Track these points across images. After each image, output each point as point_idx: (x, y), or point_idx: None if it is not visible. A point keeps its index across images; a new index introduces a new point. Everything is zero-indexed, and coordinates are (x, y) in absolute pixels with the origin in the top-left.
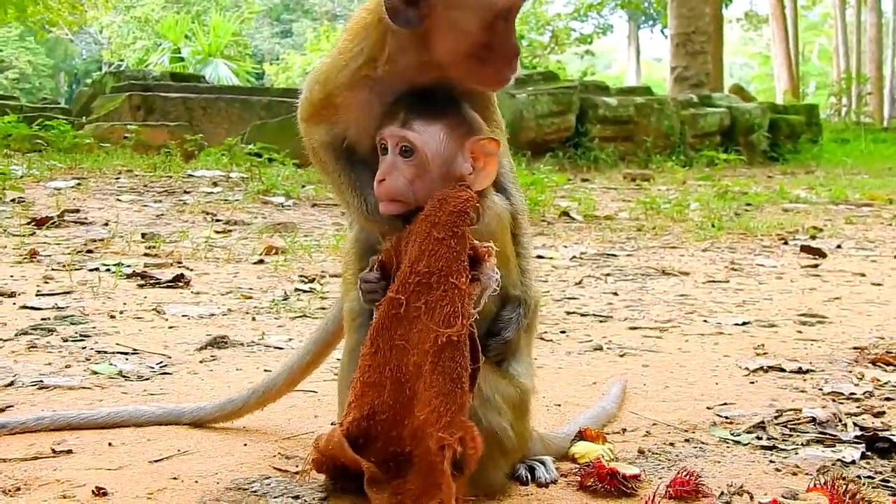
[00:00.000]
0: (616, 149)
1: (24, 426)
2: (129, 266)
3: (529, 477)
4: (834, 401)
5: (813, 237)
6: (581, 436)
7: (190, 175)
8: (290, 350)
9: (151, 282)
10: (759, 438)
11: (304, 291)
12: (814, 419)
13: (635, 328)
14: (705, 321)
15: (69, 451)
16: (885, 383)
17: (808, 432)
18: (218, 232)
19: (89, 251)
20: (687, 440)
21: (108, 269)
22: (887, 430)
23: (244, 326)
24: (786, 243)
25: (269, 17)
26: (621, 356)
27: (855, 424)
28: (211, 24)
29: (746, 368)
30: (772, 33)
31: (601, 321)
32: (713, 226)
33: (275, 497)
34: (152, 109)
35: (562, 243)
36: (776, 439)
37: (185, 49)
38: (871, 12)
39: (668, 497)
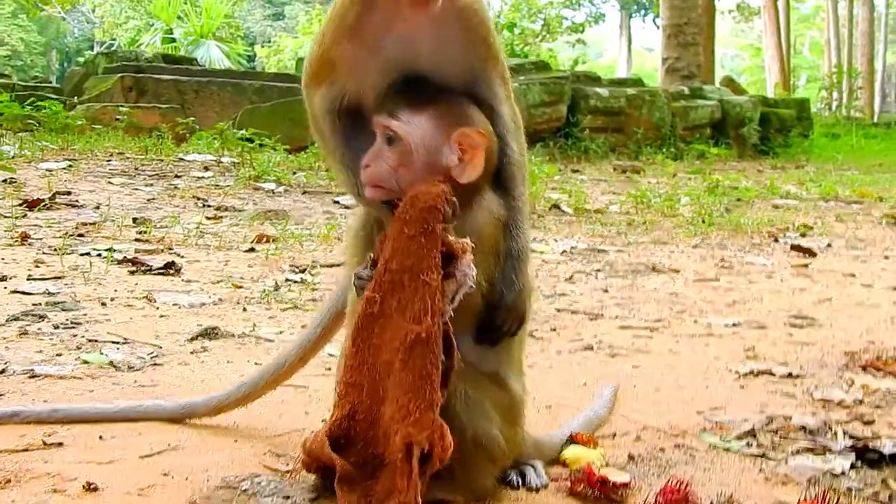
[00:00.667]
0: (607, 140)
1: (38, 416)
2: (119, 251)
3: (520, 481)
4: (824, 407)
5: (803, 235)
6: (572, 440)
7: (181, 159)
8: (280, 343)
9: (143, 268)
10: (749, 446)
11: (295, 282)
12: (804, 427)
13: (626, 327)
14: (696, 321)
15: (60, 444)
16: (876, 390)
17: (798, 440)
18: (209, 218)
19: (80, 235)
20: (677, 446)
21: (99, 255)
22: (877, 439)
23: (235, 317)
24: (776, 241)
25: (261, 0)
26: (612, 356)
27: (845, 433)
28: (203, 6)
29: (737, 372)
30: (763, 25)
31: (592, 319)
32: (703, 222)
33: (265, 496)
34: (144, 91)
35: (552, 237)
36: (766, 447)
37: (178, 30)
38: (862, 6)
39: None
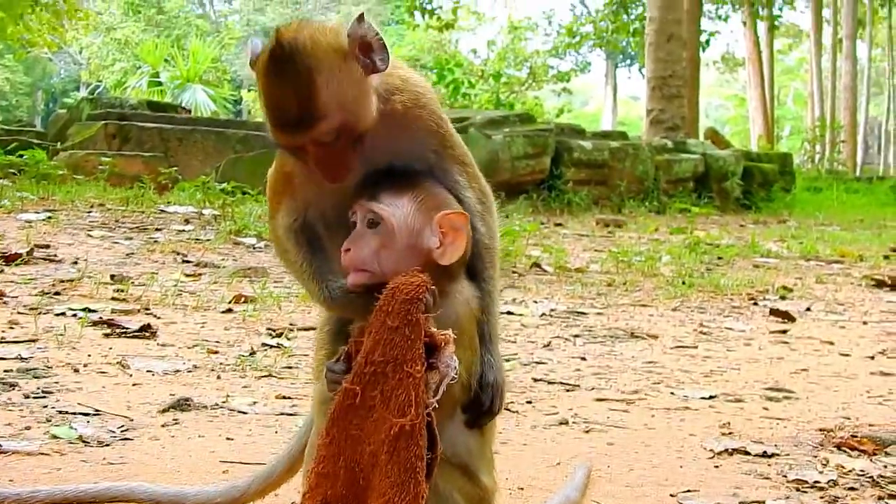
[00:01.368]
0: (590, 192)
1: (18, 498)
2: (95, 311)
3: None
4: (798, 489)
5: (783, 297)
6: None
7: (162, 210)
8: (253, 415)
9: (118, 331)
10: None
11: (271, 347)
12: None
13: (602, 399)
14: (672, 393)
15: None
16: (850, 471)
17: None
18: (188, 275)
19: (57, 293)
20: None
21: (74, 315)
22: None
23: (209, 385)
24: (756, 303)
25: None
26: (587, 432)
27: None
28: (191, 50)
29: (711, 450)
30: (748, 76)
31: (568, 390)
32: (684, 283)
33: None
34: (128, 138)
35: (532, 298)
36: None
37: (164, 74)
38: (846, 59)
39: None
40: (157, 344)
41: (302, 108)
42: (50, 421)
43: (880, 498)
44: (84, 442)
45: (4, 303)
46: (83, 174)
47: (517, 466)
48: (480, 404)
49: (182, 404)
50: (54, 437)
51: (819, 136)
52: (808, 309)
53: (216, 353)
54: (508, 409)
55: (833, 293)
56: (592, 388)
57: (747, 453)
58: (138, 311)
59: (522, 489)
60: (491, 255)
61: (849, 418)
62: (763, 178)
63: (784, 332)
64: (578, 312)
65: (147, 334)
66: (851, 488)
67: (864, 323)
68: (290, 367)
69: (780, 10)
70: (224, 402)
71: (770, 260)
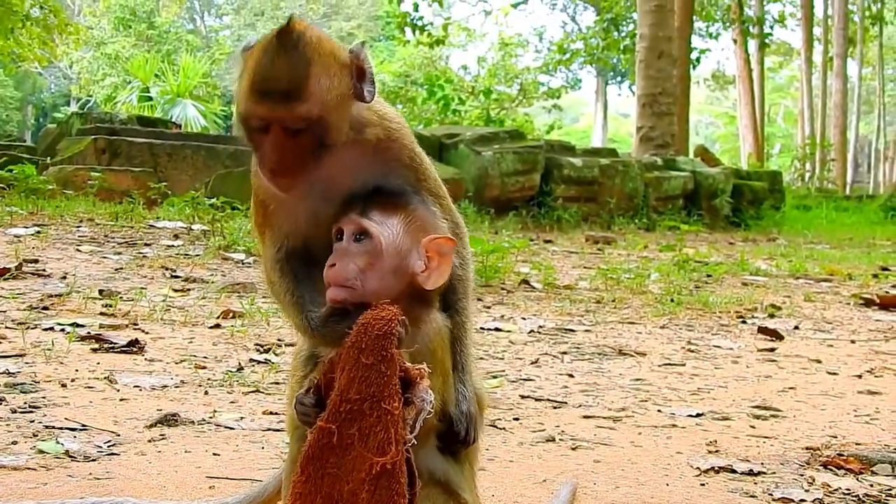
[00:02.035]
0: (580, 209)
1: None
2: (83, 326)
3: None
4: None
5: (771, 315)
6: None
7: (152, 226)
8: (240, 431)
9: (106, 346)
10: None
11: (259, 362)
12: None
13: (589, 416)
14: (659, 410)
15: None
16: (836, 489)
17: None
18: (176, 290)
19: (45, 308)
20: None
21: (62, 329)
22: None
23: (196, 401)
24: (744, 321)
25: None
26: (573, 449)
27: None
28: (181, 65)
29: (698, 468)
30: (738, 94)
31: (555, 408)
32: (672, 300)
33: None
34: (118, 153)
35: (520, 314)
36: None
37: (154, 89)
38: (836, 77)
39: None
40: (145, 359)
41: (291, 83)
42: (37, 436)
43: None
44: (71, 457)
45: None
46: (73, 189)
47: (503, 483)
48: (455, 434)
49: (169, 419)
50: (41, 451)
51: (809, 154)
52: (797, 327)
53: (204, 368)
54: (495, 426)
55: (821, 311)
56: (580, 406)
57: (734, 471)
58: (126, 326)
59: None
60: (464, 285)
61: (836, 437)
62: (753, 195)
63: (772, 350)
64: (567, 329)
65: (135, 349)
66: None
67: (852, 342)
68: (277, 383)
69: (771, 28)
70: (211, 418)
71: (759, 278)
